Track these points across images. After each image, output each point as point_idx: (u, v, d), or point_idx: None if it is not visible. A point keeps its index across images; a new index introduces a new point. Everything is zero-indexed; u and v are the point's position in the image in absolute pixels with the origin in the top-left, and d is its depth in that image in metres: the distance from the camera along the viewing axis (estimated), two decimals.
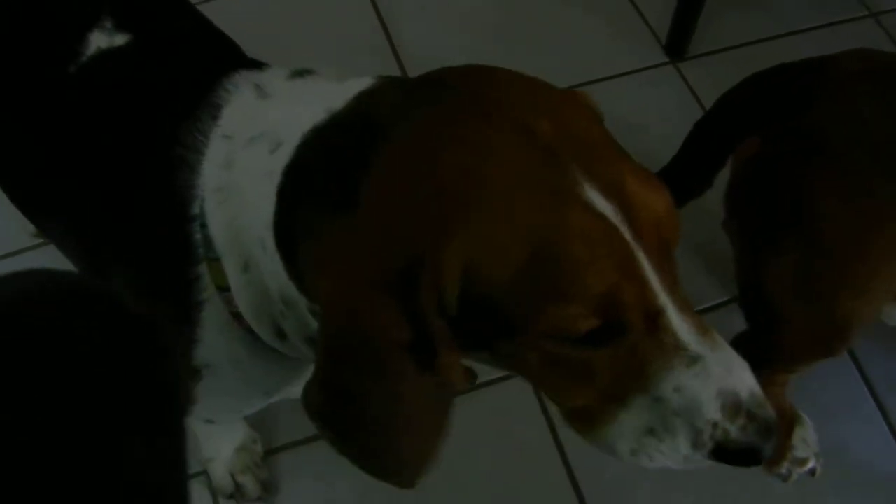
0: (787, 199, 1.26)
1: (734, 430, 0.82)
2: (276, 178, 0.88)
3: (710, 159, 1.44)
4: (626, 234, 0.76)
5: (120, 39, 1.08)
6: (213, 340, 1.02)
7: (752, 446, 0.82)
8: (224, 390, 1.10)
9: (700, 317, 0.83)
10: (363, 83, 0.90)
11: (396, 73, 2.13)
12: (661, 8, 2.26)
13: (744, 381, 0.82)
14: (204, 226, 0.94)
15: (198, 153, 0.95)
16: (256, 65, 1.05)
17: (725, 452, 0.82)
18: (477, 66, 0.88)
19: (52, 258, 1.89)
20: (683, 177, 1.48)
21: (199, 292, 0.98)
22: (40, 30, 1.13)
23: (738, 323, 1.74)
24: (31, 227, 1.87)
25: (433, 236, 0.75)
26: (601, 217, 0.75)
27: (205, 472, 1.64)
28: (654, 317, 0.79)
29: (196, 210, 0.95)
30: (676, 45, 2.20)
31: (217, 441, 1.59)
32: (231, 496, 1.63)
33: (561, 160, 0.76)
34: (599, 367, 0.82)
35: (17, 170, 1.19)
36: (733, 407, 0.81)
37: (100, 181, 1.05)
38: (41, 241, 1.91)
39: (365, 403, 0.84)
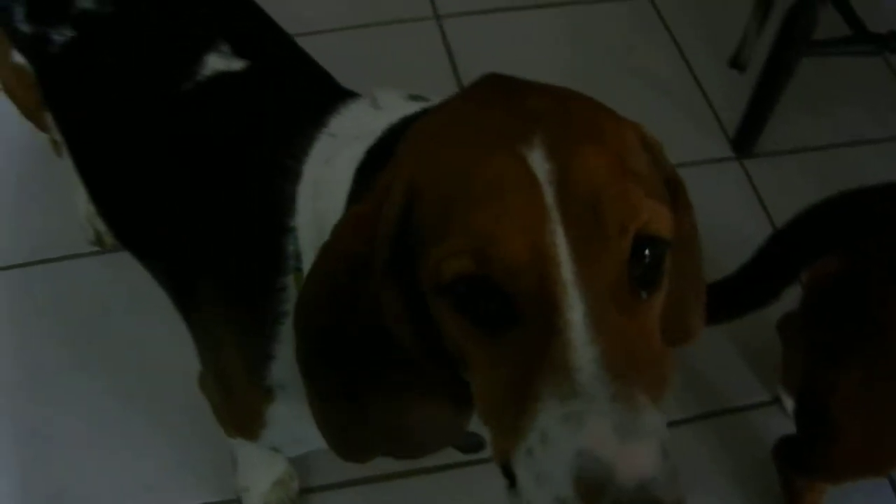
0: (862, 318, 1.27)
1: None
2: (358, 160, 0.91)
3: (783, 273, 1.44)
4: (548, 196, 0.67)
5: (237, 64, 1.15)
6: (289, 357, 0.97)
7: None
8: (294, 415, 1.05)
9: (642, 369, 0.66)
10: None
11: None
12: (732, 102, 2.26)
13: (634, 459, 0.61)
14: (297, 239, 0.96)
15: (303, 157, 0.99)
16: (352, 94, 1.10)
17: None
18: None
19: (105, 264, 1.95)
20: (751, 286, 1.49)
21: (281, 303, 0.99)
22: (159, 48, 1.21)
23: (777, 424, 1.76)
24: (90, 234, 1.94)
25: (396, 176, 0.75)
26: (524, 170, 0.68)
27: (238, 501, 1.66)
28: (551, 308, 0.65)
29: (292, 223, 0.97)
30: (744, 142, 2.20)
31: (256, 470, 1.59)
32: None
33: (528, 127, 0.70)
34: (492, 367, 0.70)
35: (117, 175, 1.25)
36: (592, 485, 0.60)
37: (203, 189, 1.09)
38: (97, 249, 1.99)
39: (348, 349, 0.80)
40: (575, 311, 0.64)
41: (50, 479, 1.71)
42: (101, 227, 1.97)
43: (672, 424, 1.67)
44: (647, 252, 0.70)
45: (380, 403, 0.83)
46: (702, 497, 1.70)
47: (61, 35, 1.27)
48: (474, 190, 0.68)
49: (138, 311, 1.89)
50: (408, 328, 0.76)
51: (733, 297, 1.50)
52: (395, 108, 0.98)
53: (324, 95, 1.08)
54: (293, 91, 1.13)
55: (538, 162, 0.68)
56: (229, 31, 1.20)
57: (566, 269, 0.65)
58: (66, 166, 1.86)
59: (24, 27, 1.32)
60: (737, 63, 2.06)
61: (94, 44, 1.26)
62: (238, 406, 1.15)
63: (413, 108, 0.97)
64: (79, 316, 1.91)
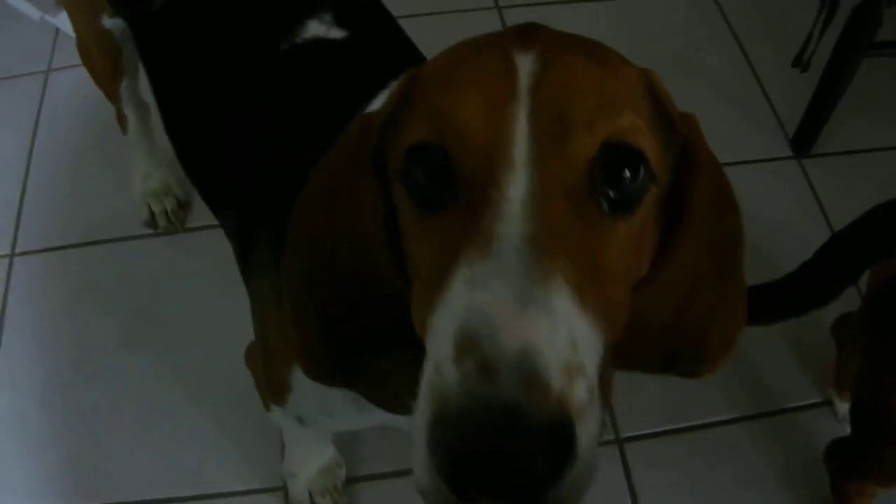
0: None
1: (447, 379, 0.55)
2: None
3: (843, 274, 1.43)
4: (522, 84, 0.64)
5: (336, 33, 1.20)
6: None
7: (451, 426, 0.53)
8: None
9: (576, 259, 0.60)
10: None
11: None
12: (793, 102, 2.26)
13: (524, 322, 0.55)
14: None
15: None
16: None
17: (434, 434, 0.55)
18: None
19: (160, 247, 1.99)
20: (811, 286, 1.48)
21: None
22: (263, 8, 1.26)
23: (828, 426, 1.76)
24: (145, 215, 2.01)
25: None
26: (506, 64, 0.66)
27: (284, 486, 1.67)
28: (493, 181, 0.62)
29: None
30: (803, 141, 2.19)
31: (303, 455, 1.60)
32: None
33: (529, 42, 0.68)
34: (425, 243, 0.67)
35: (207, 126, 1.29)
36: (469, 338, 0.55)
37: (281, 146, 1.13)
38: (150, 231, 2.02)
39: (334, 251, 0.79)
40: (516, 188, 0.61)
41: (97, 459, 1.73)
42: (157, 208, 2.00)
43: (724, 423, 1.69)
44: (625, 172, 0.65)
45: (357, 331, 0.81)
46: (752, 495, 1.70)
47: None
48: (453, 77, 0.67)
49: (190, 296, 1.93)
50: (382, 232, 0.74)
51: (792, 297, 1.49)
52: None
53: (396, 71, 1.09)
54: (380, 66, 1.16)
55: (524, 62, 0.66)
56: (335, 0, 1.25)
57: (519, 148, 0.62)
58: (126, 145, 1.96)
59: None
60: (799, 62, 2.05)
61: (197, 3, 1.31)
62: (272, 367, 1.17)
63: None
64: (132, 298, 1.94)
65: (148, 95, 1.62)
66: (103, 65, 1.70)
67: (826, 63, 2.06)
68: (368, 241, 0.75)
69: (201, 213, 2.00)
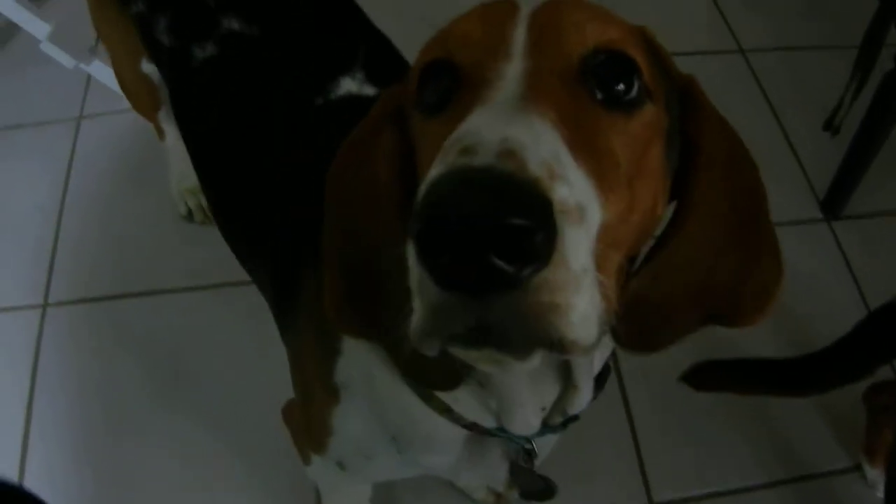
0: None
1: (433, 173, 0.57)
2: None
3: (880, 352, 1.43)
4: (522, 13, 0.70)
5: (368, 90, 1.24)
6: (355, 353, 1.02)
7: (430, 198, 0.54)
8: (356, 420, 1.08)
9: (571, 126, 0.62)
10: None
11: None
12: (823, 164, 2.27)
13: (507, 126, 0.58)
14: None
15: None
16: None
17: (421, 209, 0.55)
18: None
19: (194, 301, 1.98)
20: (846, 361, 1.48)
21: None
22: (299, 67, 1.29)
23: (858, 491, 1.78)
24: (182, 209, 2.12)
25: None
26: (511, 4, 0.72)
27: None
28: (492, 68, 0.66)
29: None
30: (833, 204, 2.20)
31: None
32: None
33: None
34: (436, 133, 0.68)
35: (238, 178, 1.32)
36: (453, 141, 0.59)
37: (310, 200, 1.10)
38: (182, 286, 2.03)
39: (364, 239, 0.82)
40: (511, 69, 0.66)
41: None
42: (192, 203, 2.11)
43: (756, 488, 1.68)
44: (618, 81, 0.69)
45: (372, 284, 0.83)
46: None
47: (203, 51, 1.34)
48: (461, 16, 0.73)
49: (225, 351, 1.93)
50: (393, 175, 0.79)
51: (827, 372, 1.50)
52: None
53: None
54: None
55: (528, 3, 0.72)
56: (366, 59, 1.28)
57: (515, 45, 0.68)
58: (164, 150, 2.05)
59: (165, 39, 1.40)
60: (830, 126, 2.06)
61: (236, 60, 1.34)
62: (310, 414, 1.17)
63: None
64: (165, 352, 1.95)
65: None
66: (143, 100, 1.83)
67: (857, 128, 2.08)
68: (380, 188, 0.79)
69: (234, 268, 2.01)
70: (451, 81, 0.70)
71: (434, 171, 0.56)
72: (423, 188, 0.56)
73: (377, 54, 1.34)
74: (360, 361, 1.03)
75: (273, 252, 1.25)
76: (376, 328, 0.84)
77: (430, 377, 0.89)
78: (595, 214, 0.60)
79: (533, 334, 0.55)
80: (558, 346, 0.56)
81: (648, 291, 0.75)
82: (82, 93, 2.47)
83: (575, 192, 0.57)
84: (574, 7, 0.71)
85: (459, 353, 0.60)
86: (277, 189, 1.24)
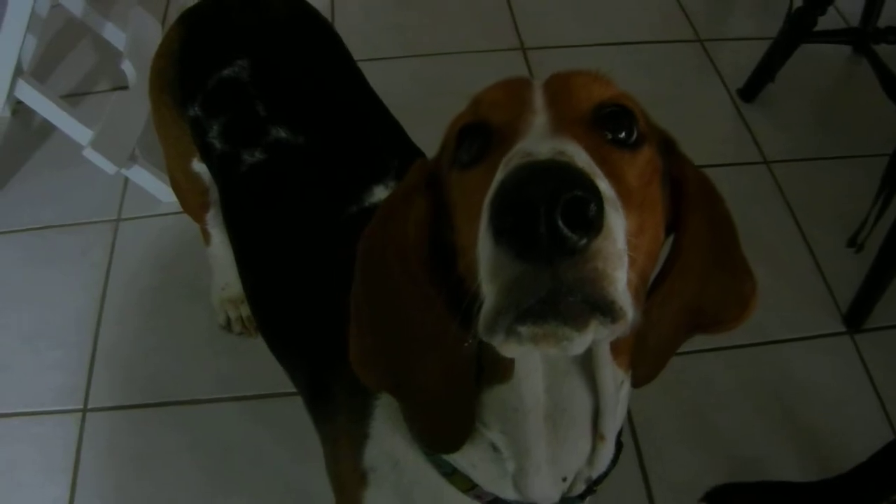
0: None
1: (496, 179, 0.67)
2: None
3: None
4: (537, 83, 0.84)
5: None
6: (382, 436, 1.08)
7: (501, 192, 0.64)
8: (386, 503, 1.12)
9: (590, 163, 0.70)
10: None
11: None
12: (846, 277, 2.30)
13: (553, 141, 0.71)
14: None
15: None
16: None
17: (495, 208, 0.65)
18: None
19: (232, 412, 2.00)
20: (867, 484, 1.51)
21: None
22: (337, 174, 1.36)
23: None
24: (221, 319, 2.17)
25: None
26: (528, 80, 0.85)
27: None
28: (520, 121, 0.77)
29: None
30: (856, 317, 2.23)
31: None
32: None
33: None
34: (472, 182, 0.78)
35: (276, 281, 1.39)
36: (510, 156, 0.70)
37: (340, 302, 1.16)
38: (219, 396, 2.07)
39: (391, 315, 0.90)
40: (538, 119, 0.77)
41: None
42: (233, 314, 2.15)
43: None
44: (620, 127, 0.81)
45: (400, 346, 0.91)
46: None
47: (252, 156, 1.42)
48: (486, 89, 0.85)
49: (263, 463, 1.96)
50: (421, 238, 0.87)
51: (846, 496, 1.52)
52: None
53: None
54: None
55: (540, 81, 0.84)
56: (399, 167, 1.35)
57: (537, 103, 0.80)
58: (208, 256, 2.09)
59: (218, 143, 1.49)
60: (854, 243, 2.10)
61: (281, 167, 1.41)
62: (346, 491, 1.20)
63: None
64: (204, 463, 1.98)
65: None
66: (192, 199, 1.88)
67: (881, 244, 2.12)
68: (408, 248, 0.88)
69: (270, 380, 2.05)
70: (484, 140, 0.80)
71: (499, 175, 0.67)
72: (493, 186, 0.66)
73: (409, 159, 1.40)
74: (387, 444, 1.08)
75: (308, 356, 1.30)
76: (398, 380, 0.93)
77: (441, 433, 0.95)
78: (623, 226, 0.68)
79: (590, 297, 0.64)
80: (609, 311, 0.65)
81: (656, 316, 0.86)
82: (121, 195, 2.52)
83: (609, 190, 0.68)
84: (579, 74, 0.84)
85: (526, 332, 0.68)
86: (311, 292, 1.30)
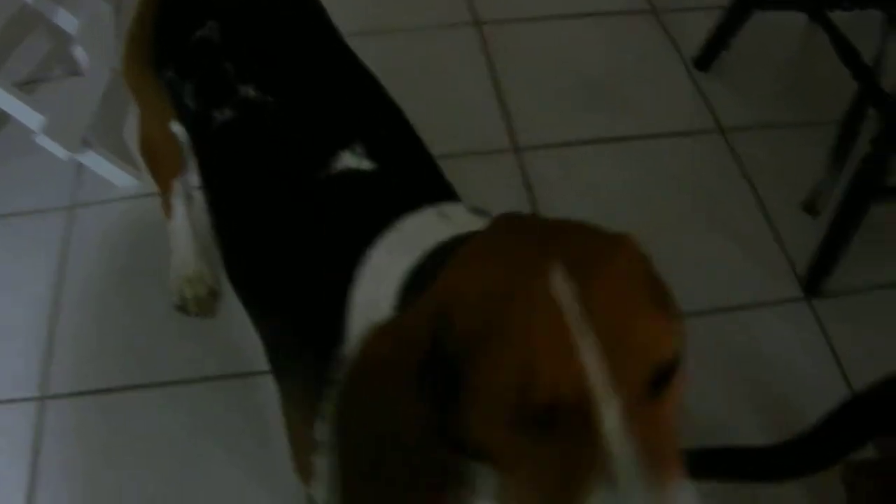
0: None
1: None
2: (401, 277, 1.04)
3: (857, 436, 1.46)
4: (579, 325, 0.76)
5: (366, 165, 1.29)
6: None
7: None
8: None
9: (667, 459, 0.76)
10: None
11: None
12: (803, 243, 2.31)
13: None
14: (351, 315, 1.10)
15: (374, 245, 1.13)
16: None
17: None
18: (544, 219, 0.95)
19: (196, 394, 1.99)
20: (822, 446, 1.51)
21: (335, 372, 1.10)
22: (304, 137, 1.36)
23: None
24: (176, 300, 2.17)
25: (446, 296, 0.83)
26: (551, 303, 0.76)
27: None
28: (589, 421, 0.74)
29: (354, 300, 1.11)
30: (814, 283, 2.24)
31: None
32: None
33: (549, 259, 0.79)
34: (534, 466, 0.79)
35: (244, 238, 1.39)
36: None
37: (307, 263, 1.23)
38: (165, 380, 2.06)
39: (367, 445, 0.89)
40: (609, 422, 0.74)
41: None
42: (189, 293, 2.15)
43: None
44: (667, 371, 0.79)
45: (388, 494, 0.91)
46: None
47: (222, 114, 1.43)
48: (510, 325, 0.77)
49: (229, 446, 1.95)
50: (428, 422, 0.85)
51: (802, 458, 1.53)
52: (458, 220, 1.14)
53: (417, 199, 1.21)
54: (401, 198, 1.25)
55: (564, 295, 0.77)
56: (367, 132, 1.35)
57: (600, 387, 0.74)
58: (168, 232, 2.10)
59: (191, 103, 1.50)
60: (811, 208, 2.11)
61: (249, 126, 1.41)
62: (298, 451, 1.28)
63: (468, 221, 1.13)
64: (168, 446, 1.97)
65: (195, 186, 1.80)
66: (165, 161, 1.91)
67: (837, 209, 2.14)
68: (414, 449, 0.86)
69: (232, 360, 2.04)
70: (543, 419, 0.76)
71: None
72: None
73: (382, 127, 1.42)
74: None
75: (273, 309, 1.31)
76: None
77: None
78: None
79: None
80: None
81: None
82: (74, 181, 2.50)
83: None
84: (627, 325, 0.77)
85: None
86: (274, 254, 1.31)
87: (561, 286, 0.77)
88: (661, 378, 0.79)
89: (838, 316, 2.22)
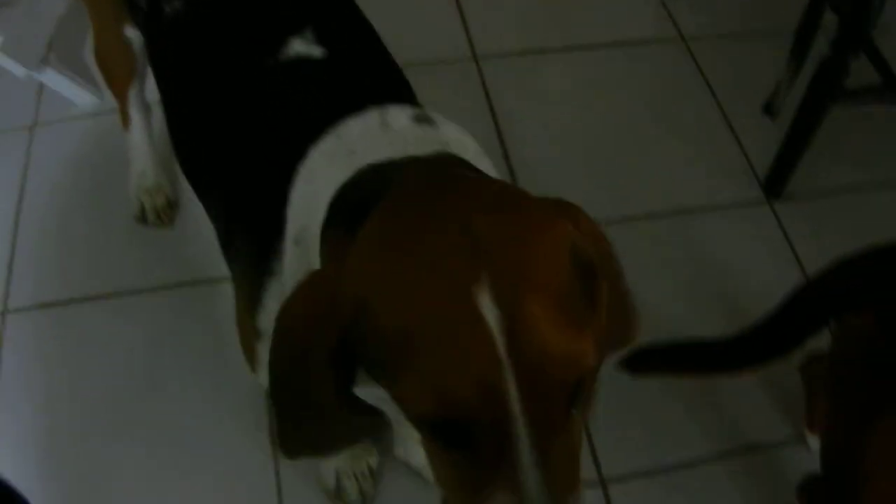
0: None
1: None
2: (334, 190, 1.04)
3: (811, 323, 1.46)
4: (500, 348, 0.74)
5: (316, 51, 1.29)
6: (272, 309, 1.10)
7: None
8: None
9: (571, 476, 0.80)
10: (436, 148, 1.08)
11: (504, 169, 2.24)
12: (764, 146, 2.32)
13: None
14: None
15: (314, 143, 1.13)
16: (406, 102, 1.23)
17: None
18: (483, 178, 0.99)
19: (156, 304, 2.01)
20: (776, 334, 1.51)
21: (276, 263, 1.13)
22: (254, 25, 1.36)
23: (802, 461, 1.82)
24: (136, 210, 2.18)
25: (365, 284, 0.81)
26: (479, 319, 0.74)
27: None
28: (503, 440, 0.76)
29: (291, 196, 1.12)
30: (774, 185, 2.25)
31: None
32: (330, 493, 1.72)
33: (474, 264, 0.76)
34: (451, 469, 0.83)
35: (195, 126, 1.40)
36: None
37: (254, 151, 1.24)
38: (142, 287, 2.06)
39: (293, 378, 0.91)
40: (523, 445, 0.76)
41: None
42: (148, 204, 2.16)
43: (702, 462, 1.74)
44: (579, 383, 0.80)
45: (314, 424, 0.96)
46: None
47: (171, 7, 1.43)
48: (428, 338, 0.76)
49: (189, 353, 1.97)
50: (337, 398, 0.89)
51: (757, 348, 1.53)
52: (398, 131, 1.13)
53: (365, 96, 1.20)
54: (349, 86, 1.26)
55: (488, 309, 0.75)
56: (318, 18, 1.34)
57: (515, 409, 0.75)
58: (126, 144, 2.11)
59: (142, 2, 1.51)
60: (770, 110, 2.11)
61: (198, 16, 1.41)
62: (243, 338, 1.29)
63: (409, 132, 1.13)
64: (129, 355, 1.98)
65: (152, 97, 1.78)
66: (119, 69, 1.93)
67: (796, 110, 2.13)
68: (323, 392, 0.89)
69: (199, 267, 2.06)
70: (457, 433, 0.78)
71: None
72: None
73: (328, 10, 1.40)
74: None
75: (223, 193, 1.32)
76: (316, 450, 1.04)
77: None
78: None
79: None
80: None
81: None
82: (35, 101, 2.48)
83: None
84: (548, 347, 0.76)
85: None
86: (230, 139, 1.30)
87: (483, 300, 0.75)
88: (575, 393, 0.80)
89: (799, 218, 2.24)
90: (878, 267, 1.38)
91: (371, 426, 0.97)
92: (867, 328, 1.32)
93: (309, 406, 0.91)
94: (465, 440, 0.78)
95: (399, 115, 1.16)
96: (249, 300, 1.19)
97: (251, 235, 1.20)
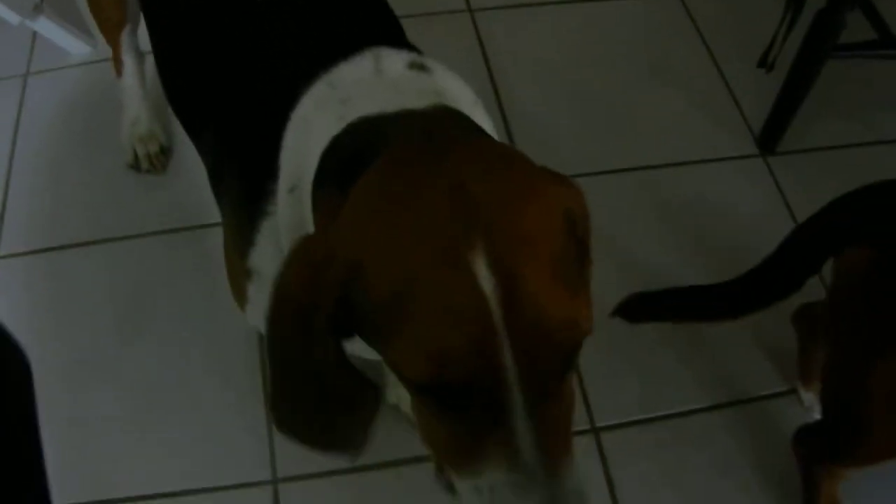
0: None
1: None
2: (326, 142, 1.02)
3: (807, 263, 1.46)
4: (496, 312, 0.74)
5: None
6: (264, 249, 1.14)
7: None
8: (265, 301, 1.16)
9: (564, 440, 0.81)
10: (431, 100, 1.05)
11: (499, 121, 2.23)
12: (758, 101, 2.32)
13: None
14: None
15: (304, 90, 1.11)
16: (400, 45, 1.20)
17: None
18: (481, 140, 0.95)
19: (147, 248, 2.00)
20: (775, 278, 1.51)
21: (269, 204, 1.12)
22: None
23: (794, 413, 1.82)
24: (129, 157, 2.18)
25: (359, 247, 0.80)
26: (474, 284, 0.74)
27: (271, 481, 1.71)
28: (499, 407, 0.77)
29: (283, 142, 1.11)
30: (769, 139, 2.25)
31: None
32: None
33: (473, 228, 0.76)
34: (445, 433, 0.83)
35: (185, 61, 1.38)
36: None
37: (245, 87, 1.22)
38: (136, 232, 2.06)
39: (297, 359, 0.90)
40: (518, 409, 0.77)
41: (88, 458, 1.76)
42: (141, 151, 2.16)
43: (697, 412, 1.74)
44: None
45: (310, 401, 0.94)
46: (726, 482, 1.76)
47: None
48: (425, 305, 0.75)
49: (178, 297, 1.97)
50: (336, 365, 0.88)
51: (756, 290, 1.53)
52: (391, 78, 1.12)
53: (360, 35, 1.19)
54: (343, 23, 1.24)
55: (484, 274, 0.74)
56: None
57: (510, 376, 0.76)
58: (119, 90, 2.09)
59: None
60: (765, 63, 2.11)
61: None
62: (232, 277, 1.29)
63: (403, 81, 1.11)
64: (120, 300, 1.98)
65: (145, 45, 1.74)
66: (111, 13, 1.93)
67: (791, 64, 2.13)
68: (325, 366, 0.88)
69: (190, 214, 2.06)
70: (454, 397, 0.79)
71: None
72: None
73: None
74: (269, 257, 1.14)
75: (213, 128, 1.30)
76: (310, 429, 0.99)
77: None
78: None
79: None
80: None
81: None
82: (28, 50, 2.47)
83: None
84: (550, 319, 0.76)
85: None
86: (221, 73, 1.29)
87: (478, 264, 0.75)
88: (570, 358, 0.81)
89: (793, 172, 2.24)
90: (876, 201, 1.38)
91: (368, 397, 0.95)
92: (867, 263, 1.32)
93: (309, 379, 0.90)
94: (460, 404, 0.78)
95: (394, 61, 1.14)
96: (240, 238, 1.18)
97: (243, 173, 1.19)
